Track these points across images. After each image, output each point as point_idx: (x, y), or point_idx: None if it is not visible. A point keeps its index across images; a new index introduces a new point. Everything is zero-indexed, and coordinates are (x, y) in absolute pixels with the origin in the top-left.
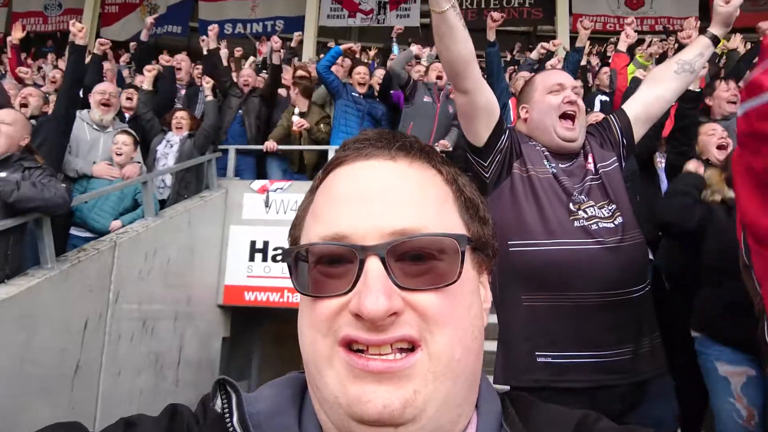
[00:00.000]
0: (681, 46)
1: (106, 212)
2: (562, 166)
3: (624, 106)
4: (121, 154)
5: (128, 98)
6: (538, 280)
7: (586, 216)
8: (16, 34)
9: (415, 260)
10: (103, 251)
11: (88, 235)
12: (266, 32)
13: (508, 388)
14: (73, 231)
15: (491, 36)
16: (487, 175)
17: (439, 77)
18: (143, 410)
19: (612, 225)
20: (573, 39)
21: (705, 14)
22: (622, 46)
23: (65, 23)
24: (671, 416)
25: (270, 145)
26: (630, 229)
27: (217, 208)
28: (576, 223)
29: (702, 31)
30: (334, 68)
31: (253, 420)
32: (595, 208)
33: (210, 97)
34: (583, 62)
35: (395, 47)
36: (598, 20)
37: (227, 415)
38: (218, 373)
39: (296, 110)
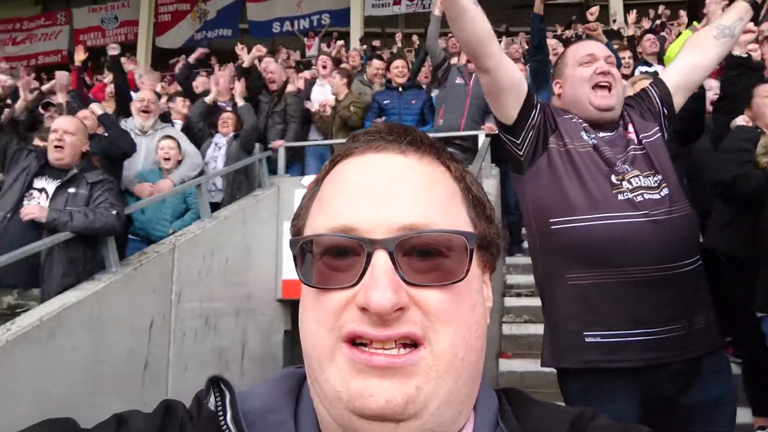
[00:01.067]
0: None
1: (165, 220)
2: (603, 135)
3: (662, 75)
4: (169, 159)
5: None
6: (582, 258)
7: (630, 187)
8: (79, 56)
9: (422, 256)
10: (163, 254)
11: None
12: (312, 27)
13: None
14: (132, 239)
15: (539, 10)
16: (520, 153)
17: (469, 60)
18: None
19: (658, 196)
20: (627, 8)
21: None
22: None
23: (122, 36)
24: (729, 394)
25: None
26: (678, 201)
27: (270, 206)
28: (620, 196)
29: None
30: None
31: (246, 418)
32: (641, 177)
33: (241, 103)
34: (630, 32)
35: None
36: None
37: (221, 413)
38: (282, 364)
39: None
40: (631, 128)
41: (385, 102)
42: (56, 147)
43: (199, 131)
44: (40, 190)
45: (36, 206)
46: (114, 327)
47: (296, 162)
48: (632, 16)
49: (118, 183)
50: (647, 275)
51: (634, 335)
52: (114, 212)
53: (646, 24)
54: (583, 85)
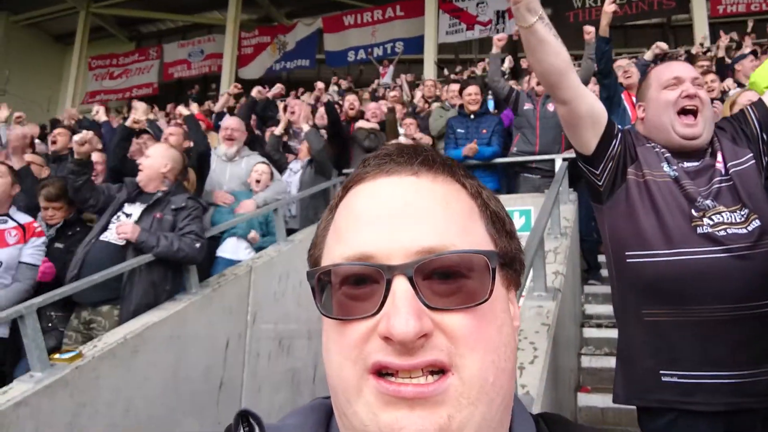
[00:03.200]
0: None
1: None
2: (687, 165)
3: (764, 97)
4: (260, 181)
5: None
6: (658, 294)
7: (711, 223)
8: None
9: (443, 279)
10: (241, 276)
11: (231, 257)
12: (386, 55)
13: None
14: (220, 254)
15: (604, 32)
16: (600, 183)
17: (538, 83)
18: None
19: (745, 231)
20: (713, 26)
21: None
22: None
23: (207, 67)
24: None
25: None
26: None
27: None
28: (699, 230)
29: None
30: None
31: None
32: (725, 213)
33: (306, 128)
34: (721, 54)
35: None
36: (740, 1)
37: None
38: None
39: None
40: (719, 156)
41: (458, 130)
42: (138, 171)
43: (277, 161)
44: (128, 215)
45: (129, 225)
46: (192, 346)
47: None
48: (724, 38)
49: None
50: (728, 314)
51: (712, 377)
52: (198, 245)
53: (747, 45)
54: (668, 109)
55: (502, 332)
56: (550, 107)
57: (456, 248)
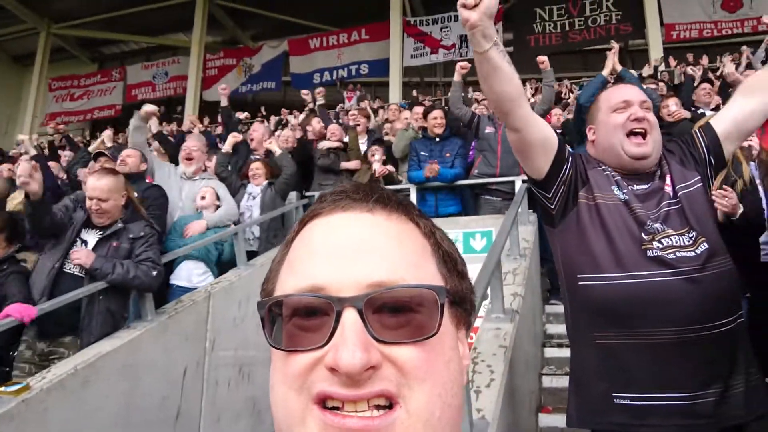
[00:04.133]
0: None
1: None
2: (637, 188)
3: (712, 121)
4: (204, 197)
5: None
6: (610, 317)
7: (661, 246)
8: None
9: (393, 312)
10: (199, 301)
11: (187, 285)
12: (351, 77)
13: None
14: (174, 281)
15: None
16: (552, 207)
17: None
18: None
19: (693, 254)
20: (666, 50)
21: None
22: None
23: (171, 90)
24: None
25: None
26: (716, 256)
27: None
28: (649, 253)
29: None
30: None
31: None
32: (674, 237)
33: (278, 151)
34: (676, 81)
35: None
36: (693, 27)
37: None
38: None
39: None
40: (668, 179)
41: (422, 153)
42: (96, 211)
43: (226, 179)
44: (83, 242)
45: (84, 251)
46: (147, 375)
47: None
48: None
49: (161, 230)
50: (678, 336)
51: (664, 399)
52: (154, 273)
53: (700, 68)
54: (617, 131)
55: (450, 368)
56: None
57: (406, 283)
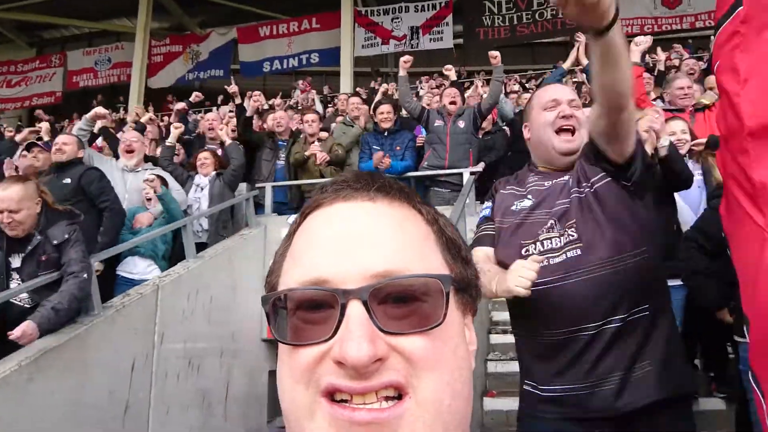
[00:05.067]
0: None
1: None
2: (556, 182)
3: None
4: (150, 199)
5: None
6: (512, 315)
7: (542, 249)
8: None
9: (398, 303)
10: (147, 295)
11: (133, 277)
12: (302, 66)
13: None
14: (121, 272)
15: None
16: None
17: (452, 102)
18: None
19: (573, 254)
20: None
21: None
22: (636, 56)
23: (115, 77)
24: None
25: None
26: (605, 257)
27: (257, 245)
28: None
29: None
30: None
31: None
32: (555, 239)
33: (228, 141)
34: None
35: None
36: (635, 23)
37: None
38: (266, 406)
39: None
40: (575, 176)
41: (374, 147)
42: (8, 225)
43: (172, 172)
44: (16, 269)
45: (20, 330)
46: (95, 369)
47: None
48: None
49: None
50: (561, 337)
51: (557, 390)
52: (84, 275)
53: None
54: (547, 129)
55: (458, 355)
56: (461, 124)
57: (411, 272)
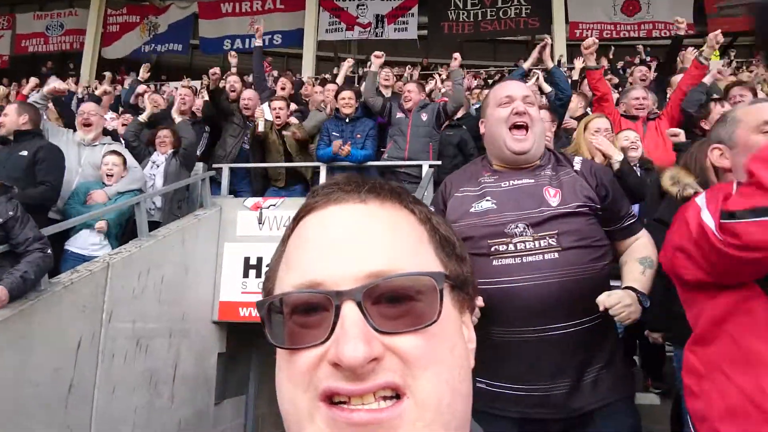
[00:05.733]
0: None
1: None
2: (516, 183)
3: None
4: (112, 175)
5: (124, 124)
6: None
7: (515, 250)
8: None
9: (392, 302)
10: (96, 272)
11: (82, 252)
12: (264, 47)
13: None
14: (69, 247)
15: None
16: None
17: (408, 99)
18: (138, 427)
19: (543, 257)
20: (570, 47)
21: (701, 19)
22: (591, 62)
23: (67, 44)
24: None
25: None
26: (573, 263)
27: (211, 226)
28: (495, 262)
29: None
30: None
31: None
32: (528, 242)
33: (179, 119)
34: (576, 77)
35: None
36: (594, 27)
37: None
38: (215, 388)
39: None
40: (550, 180)
41: (333, 133)
42: None
43: (134, 149)
44: None
45: None
46: (39, 347)
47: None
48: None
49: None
50: (520, 337)
51: (508, 389)
52: (48, 250)
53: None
54: (501, 125)
55: (455, 353)
56: (423, 116)
57: (403, 271)
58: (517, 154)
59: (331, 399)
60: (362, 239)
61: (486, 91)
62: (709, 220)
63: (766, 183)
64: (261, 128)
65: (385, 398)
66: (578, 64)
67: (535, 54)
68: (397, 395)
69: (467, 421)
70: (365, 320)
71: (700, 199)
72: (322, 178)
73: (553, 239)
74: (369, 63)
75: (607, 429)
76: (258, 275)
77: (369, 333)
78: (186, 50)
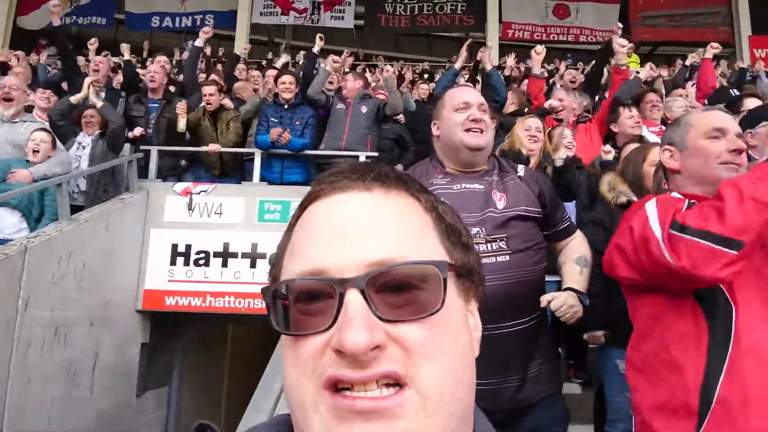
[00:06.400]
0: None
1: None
2: (467, 186)
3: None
4: (38, 152)
5: (45, 98)
6: None
7: None
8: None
9: (396, 291)
10: (12, 256)
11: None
12: (195, 27)
13: None
14: None
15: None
16: None
17: (349, 90)
18: (55, 419)
19: (498, 260)
20: (502, 47)
21: (626, 27)
22: (536, 69)
23: None
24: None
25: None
26: (519, 265)
27: (137, 211)
28: None
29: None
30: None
31: None
32: (483, 244)
33: (100, 103)
34: (507, 73)
35: None
36: (526, 29)
37: None
38: (137, 379)
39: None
40: (496, 184)
41: (272, 119)
42: None
43: (59, 128)
44: None
45: None
46: None
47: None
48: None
49: None
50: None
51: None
52: None
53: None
54: (457, 129)
55: (459, 343)
56: (363, 108)
57: (407, 260)
58: (473, 149)
59: (335, 386)
60: (367, 227)
61: (423, 86)
62: (657, 230)
63: (728, 214)
64: (182, 127)
65: (387, 385)
66: (510, 61)
67: (463, 54)
68: (399, 384)
69: (470, 411)
70: (368, 308)
71: (651, 208)
72: (257, 166)
73: (503, 242)
74: (312, 48)
75: (544, 419)
76: (186, 263)
77: (372, 320)
78: (111, 24)
